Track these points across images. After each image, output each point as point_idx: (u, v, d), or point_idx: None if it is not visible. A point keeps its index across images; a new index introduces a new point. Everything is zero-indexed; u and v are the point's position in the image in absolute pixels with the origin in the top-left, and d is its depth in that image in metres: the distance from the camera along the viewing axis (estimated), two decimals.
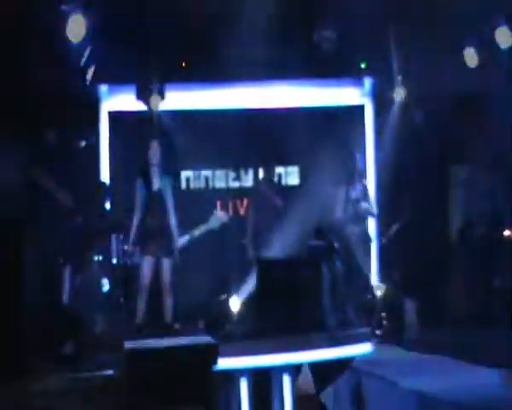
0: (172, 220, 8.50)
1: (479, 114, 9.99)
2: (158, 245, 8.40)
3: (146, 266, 8.38)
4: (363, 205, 9.59)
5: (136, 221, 8.42)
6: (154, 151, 8.55)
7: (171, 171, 10.30)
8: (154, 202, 8.46)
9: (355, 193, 9.41)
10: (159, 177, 8.53)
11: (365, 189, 9.57)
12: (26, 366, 7.03)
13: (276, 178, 10.76)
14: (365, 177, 9.61)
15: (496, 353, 7.25)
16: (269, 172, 10.19)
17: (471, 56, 9.99)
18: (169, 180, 8.63)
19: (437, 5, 9.20)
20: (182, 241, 9.47)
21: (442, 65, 9.90)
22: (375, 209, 9.93)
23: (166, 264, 8.45)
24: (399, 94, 10.66)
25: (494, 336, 8.07)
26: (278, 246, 9.44)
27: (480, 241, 9.57)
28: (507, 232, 9.58)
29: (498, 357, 7.08)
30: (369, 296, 9.47)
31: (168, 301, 8.42)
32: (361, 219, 9.67)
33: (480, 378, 6.89)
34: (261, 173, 10.43)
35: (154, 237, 8.41)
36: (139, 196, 8.47)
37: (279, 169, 10.98)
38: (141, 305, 8.33)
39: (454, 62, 9.97)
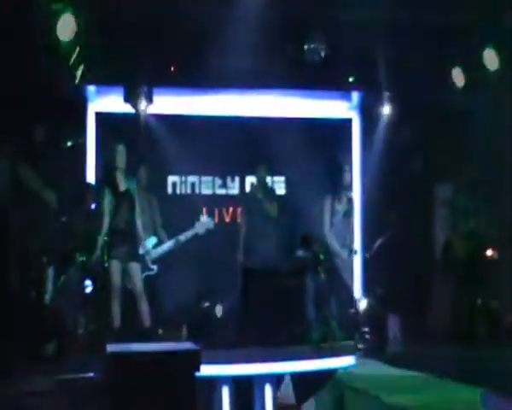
0: (139, 222, 8.52)
1: (464, 132, 10.08)
2: (126, 249, 8.39)
3: (115, 269, 8.33)
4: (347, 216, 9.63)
5: (104, 227, 8.42)
6: (121, 155, 8.55)
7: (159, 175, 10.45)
8: (122, 205, 8.46)
9: (341, 206, 9.38)
10: (124, 180, 8.53)
11: (350, 202, 9.54)
12: (9, 367, 6.95)
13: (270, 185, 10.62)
14: (351, 190, 9.58)
15: (478, 370, 7.27)
16: (262, 178, 10.15)
17: (458, 76, 10.07)
18: (134, 182, 8.67)
19: (426, 23, 9.27)
20: (167, 246, 9.49)
21: (429, 83, 9.97)
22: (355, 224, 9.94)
23: (135, 268, 8.44)
24: (386, 110, 10.71)
25: (476, 353, 8.11)
26: (264, 255, 9.45)
27: (464, 259, 9.62)
28: (489, 252, 9.65)
29: (480, 375, 7.10)
30: (353, 310, 9.49)
31: (143, 307, 8.35)
32: (345, 231, 9.67)
33: (462, 396, 6.90)
34: (253, 180, 10.38)
35: (123, 240, 8.40)
36: (106, 201, 8.46)
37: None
38: (115, 309, 8.27)
39: (441, 81, 10.05)
